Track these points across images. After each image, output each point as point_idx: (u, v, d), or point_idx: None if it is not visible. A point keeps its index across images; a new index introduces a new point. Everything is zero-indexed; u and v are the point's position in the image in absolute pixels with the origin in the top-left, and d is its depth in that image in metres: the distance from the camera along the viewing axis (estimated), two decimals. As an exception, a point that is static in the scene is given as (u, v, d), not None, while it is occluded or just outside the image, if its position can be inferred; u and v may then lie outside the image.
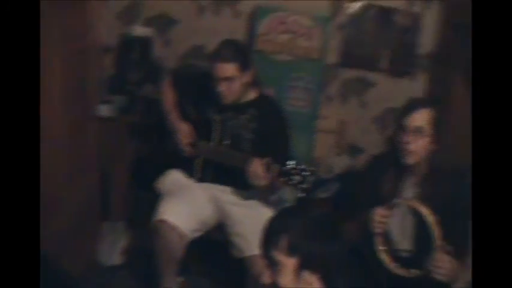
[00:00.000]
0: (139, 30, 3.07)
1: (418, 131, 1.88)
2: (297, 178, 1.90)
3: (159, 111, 2.43)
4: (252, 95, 2.26)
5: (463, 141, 2.83)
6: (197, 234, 2.18)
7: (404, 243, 1.99)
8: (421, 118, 1.89)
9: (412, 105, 1.94)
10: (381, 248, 1.88)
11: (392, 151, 1.98)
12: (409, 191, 1.98)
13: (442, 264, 1.69)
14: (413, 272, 1.78)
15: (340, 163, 3.15)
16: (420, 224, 1.89)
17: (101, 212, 2.74)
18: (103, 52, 3.17)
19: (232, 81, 2.10)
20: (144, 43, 3.06)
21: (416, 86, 3.44)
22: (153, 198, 2.32)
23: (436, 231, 1.71)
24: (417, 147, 1.89)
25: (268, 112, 2.24)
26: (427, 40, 3.41)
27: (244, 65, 2.12)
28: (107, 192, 2.84)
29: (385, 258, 1.87)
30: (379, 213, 1.85)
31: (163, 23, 3.28)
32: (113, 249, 2.68)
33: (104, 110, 2.72)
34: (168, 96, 2.38)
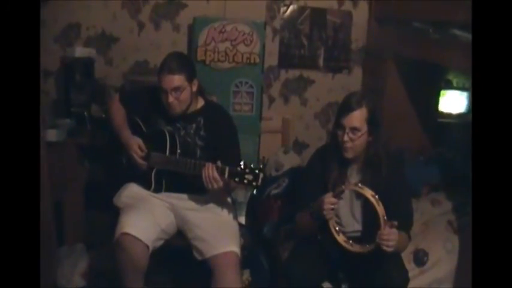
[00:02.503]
0: (80, 51, 3.08)
1: (354, 130, 2.01)
2: (249, 178, 2.00)
3: (108, 130, 2.47)
4: (199, 103, 2.35)
5: (395, 127, 3.06)
6: (159, 243, 2.24)
7: (354, 225, 2.15)
8: (357, 119, 2.00)
9: (348, 106, 2.04)
10: (334, 230, 2.02)
11: (333, 145, 2.12)
12: (352, 177, 2.13)
13: (389, 237, 1.84)
14: (367, 247, 1.93)
15: (288, 160, 3.28)
16: (365, 205, 2.05)
17: (57, 236, 2.73)
18: (44, 76, 3.16)
19: (180, 92, 2.18)
20: (86, 64, 3.07)
21: (353, 79, 3.64)
22: (110, 217, 2.35)
23: (379, 209, 1.87)
24: (354, 145, 2.03)
25: (215, 119, 2.33)
26: (358, 36, 3.62)
27: (190, 75, 2.21)
28: (61, 217, 2.83)
29: (339, 239, 2.01)
30: (328, 201, 1.97)
31: (104, 41, 3.31)
32: (72, 272, 2.68)
33: (52, 135, 2.70)
34: (117, 114, 2.42)
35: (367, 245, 1.93)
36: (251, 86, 3.26)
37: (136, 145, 2.29)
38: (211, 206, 2.32)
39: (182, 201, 2.33)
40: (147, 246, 2.14)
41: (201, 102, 2.36)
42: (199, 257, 2.22)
